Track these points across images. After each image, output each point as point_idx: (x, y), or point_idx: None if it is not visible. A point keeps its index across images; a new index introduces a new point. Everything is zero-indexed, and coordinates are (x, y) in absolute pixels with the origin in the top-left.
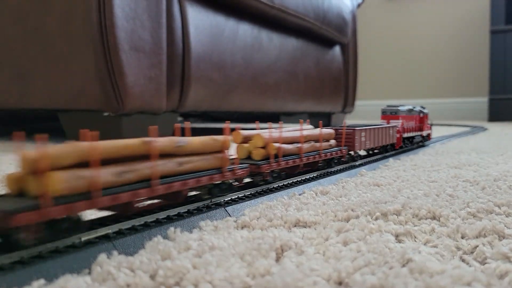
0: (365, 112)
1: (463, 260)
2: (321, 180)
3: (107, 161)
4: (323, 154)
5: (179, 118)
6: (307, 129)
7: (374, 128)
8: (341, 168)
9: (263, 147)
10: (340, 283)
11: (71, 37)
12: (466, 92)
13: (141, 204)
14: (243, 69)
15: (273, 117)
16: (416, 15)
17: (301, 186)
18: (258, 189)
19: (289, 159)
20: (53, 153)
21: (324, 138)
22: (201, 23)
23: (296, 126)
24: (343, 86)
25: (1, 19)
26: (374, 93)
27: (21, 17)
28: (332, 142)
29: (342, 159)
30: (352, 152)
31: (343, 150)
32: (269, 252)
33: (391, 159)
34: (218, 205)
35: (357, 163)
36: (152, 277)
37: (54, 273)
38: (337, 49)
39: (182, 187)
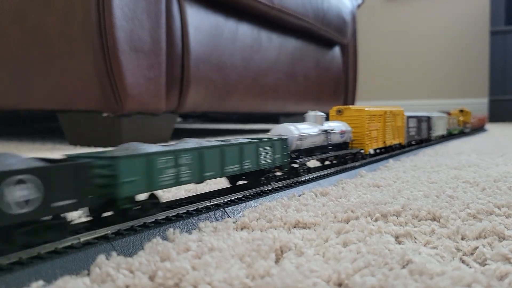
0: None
1: (463, 262)
2: (321, 181)
3: None
4: None
5: (179, 119)
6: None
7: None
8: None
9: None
10: (340, 285)
11: (70, 37)
12: (466, 93)
13: None
14: (242, 70)
15: (273, 118)
16: (415, 16)
17: (300, 187)
18: (258, 190)
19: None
20: None
21: None
22: (201, 23)
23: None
24: (343, 86)
25: (1, 19)
26: (374, 93)
27: (20, 17)
28: None
29: None
30: None
31: None
32: (269, 253)
33: (391, 160)
34: (218, 206)
35: (357, 163)
36: (151, 278)
37: (53, 274)
38: (336, 49)
39: None
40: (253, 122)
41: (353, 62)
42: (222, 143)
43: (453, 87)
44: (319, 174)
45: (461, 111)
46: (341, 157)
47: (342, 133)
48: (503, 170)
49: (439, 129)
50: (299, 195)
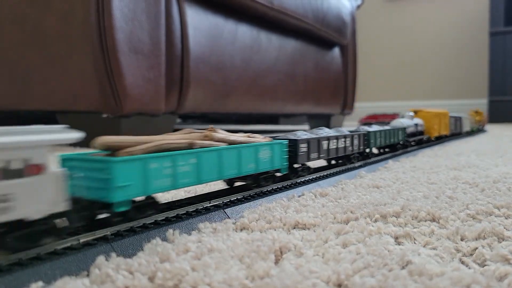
0: (364, 114)
1: (462, 262)
2: (320, 182)
3: None
4: None
5: (178, 120)
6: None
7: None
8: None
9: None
10: (339, 285)
11: (69, 38)
12: (465, 94)
13: None
14: (242, 71)
15: (272, 119)
16: (415, 17)
17: (300, 188)
18: (257, 191)
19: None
20: None
21: None
22: (200, 24)
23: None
24: (343, 87)
25: (0, 19)
26: (374, 94)
27: (19, 18)
28: None
29: None
30: None
31: None
32: (268, 254)
33: (390, 161)
34: (217, 207)
35: (356, 164)
36: (151, 279)
37: (53, 275)
38: (336, 50)
39: None
40: (253, 123)
41: (353, 63)
42: (386, 128)
43: (452, 87)
44: (318, 175)
45: (476, 112)
46: (420, 139)
47: (421, 125)
48: (503, 171)
49: (466, 126)
50: (299, 196)
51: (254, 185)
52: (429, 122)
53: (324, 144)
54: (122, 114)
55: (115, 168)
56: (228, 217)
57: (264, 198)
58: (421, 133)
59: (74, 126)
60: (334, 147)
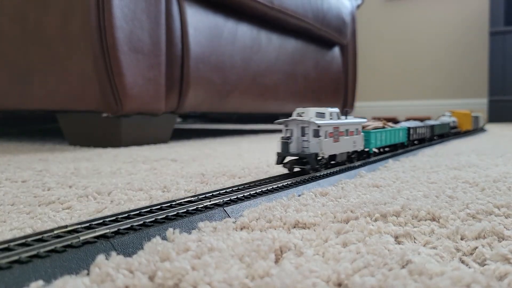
0: (364, 114)
1: (462, 262)
2: (320, 181)
3: None
4: None
5: (178, 120)
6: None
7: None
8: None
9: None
10: (339, 285)
11: (70, 38)
12: (465, 93)
13: None
14: (242, 70)
15: (272, 118)
16: (415, 16)
17: (300, 187)
18: (258, 189)
19: None
20: None
21: None
22: (200, 24)
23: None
24: (343, 87)
25: (1, 19)
26: (374, 94)
27: (20, 17)
28: None
29: None
30: None
31: None
32: (268, 254)
33: (390, 160)
34: (217, 205)
35: (356, 164)
36: (151, 278)
37: (52, 273)
38: (336, 50)
39: None
40: (253, 123)
41: (353, 63)
42: (439, 123)
43: (452, 87)
44: (318, 174)
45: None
46: (453, 132)
47: (455, 122)
48: (503, 170)
49: (480, 123)
50: (299, 195)
51: (393, 150)
52: (460, 119)
53: (417, 130)
54: (122, 114)
55: (370, 135)
56: (228, 216)
57: (264, 197)
58: (455, 127)
59: (74, 125)
60: (421, 132)
